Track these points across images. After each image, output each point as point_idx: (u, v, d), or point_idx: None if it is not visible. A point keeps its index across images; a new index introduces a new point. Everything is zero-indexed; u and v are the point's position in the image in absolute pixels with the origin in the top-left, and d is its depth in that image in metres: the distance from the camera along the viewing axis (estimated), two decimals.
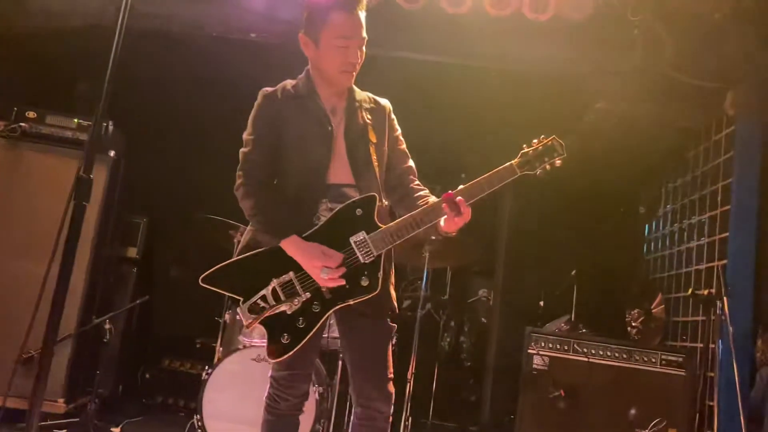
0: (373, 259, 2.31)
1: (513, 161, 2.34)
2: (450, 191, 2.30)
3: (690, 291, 4.01)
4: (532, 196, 5.89)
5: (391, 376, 2.47)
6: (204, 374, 3.82)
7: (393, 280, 2.51)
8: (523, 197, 5.96)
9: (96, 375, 4.09)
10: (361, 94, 2.54)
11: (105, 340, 4.12)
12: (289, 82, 2.51)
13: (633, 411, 4.03)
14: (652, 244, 5.54)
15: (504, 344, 5.78)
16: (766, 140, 3.97)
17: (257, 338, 3.82)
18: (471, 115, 5.10)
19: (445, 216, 2.30)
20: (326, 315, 2.33)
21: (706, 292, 3.72)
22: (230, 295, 2.39)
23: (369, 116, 2.48)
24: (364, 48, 2.41)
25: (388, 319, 2.49)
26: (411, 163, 2.58)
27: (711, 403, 3.94)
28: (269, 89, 2.49)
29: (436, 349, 5.95)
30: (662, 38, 3.99)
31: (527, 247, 6.00)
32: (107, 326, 4.10)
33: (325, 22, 2.35)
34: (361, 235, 2.30)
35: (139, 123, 4.78)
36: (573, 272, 5.12)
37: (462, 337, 6.51)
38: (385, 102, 2.58)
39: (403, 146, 2.59)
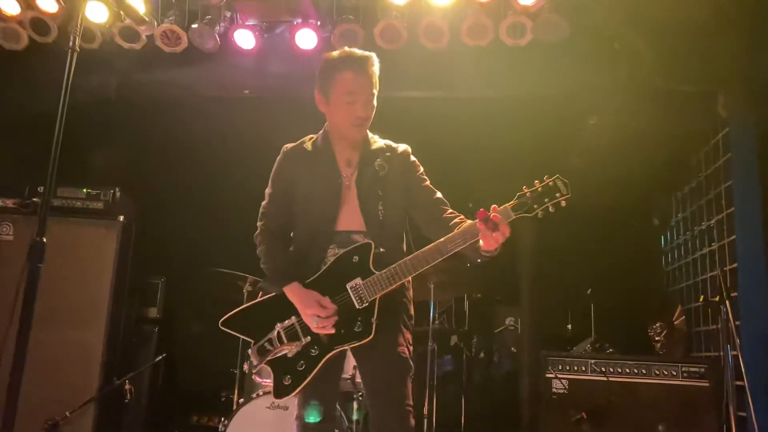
0: (367, 305, 2.41)
1: (508, 204, 2.33)
2: (483, 210, 2.28)
3: (701, 299, 3.90)
4: (548, 219, 5.85)
5: (410, 409, 2.48)
6: (221, 426, 3.87)
7: (409, 336, 2.55)
8: (539, 220, 5.93)
9: None
10: (378, 144, 2.65)
11: (126, 401, 4.20)
12: (309, 138, 2.68)
13: (661, 428, 3.91)
14: (669, 255, 5.43)
15: (535, 372, 5.67)
16: (762, 137, 3.90)
17: (267, 378, 3.88)
18: (470, 145, 5.15)
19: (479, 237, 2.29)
20: (324, 359, 2.43)
21: (717, 298, 3.63)
22: (244, 337, 2.55)
23: (385, 164, 2.58)
24: (374, 102, 2.54)
25: (401, 351, 2.50)
26: (439, 194, 2.63)
27: (742, 413, 3.79)
28: (290, 145, 2.67)
29: (462, 382, 5.87)
30: (642, 49, 4.00)
31: (549, 271, 5.94)
32: (127, 387, 4.19)
33: (334, 80, 2.52)
34: (357, 281, 2.42)
35: (148, 187, 4.98)
36: (588, 291, 5.04)
37: (493, 368, 6.42)
38: (403, 147, 2.67)
39: (428, 183, 2.65)
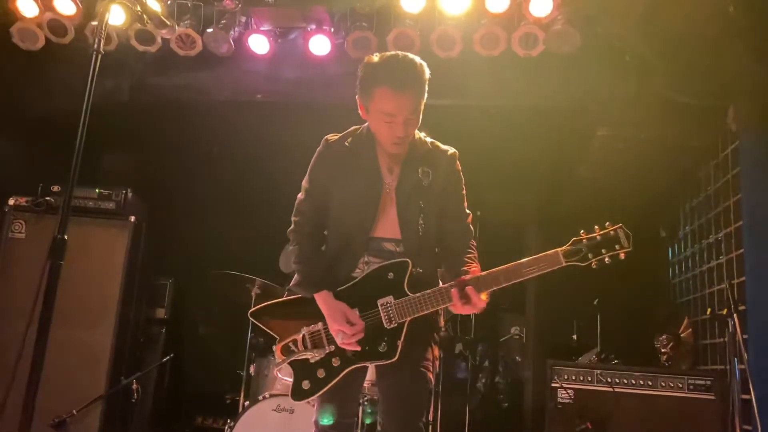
0: (395, 325, 2.33)
1: (560, 249, 2.19)
2: (463, 277, 2.22)
3: (708, 312, 3.91)
4: (555, 228, 5.87)
5: (422, 425, 2.44)
6: (226, 428, 3.88)
7: (432, 356, 2.45)
8: (547, 229, 5.94)
9: None
10: (424, 147, 2.49)
11: (133, 400, 4.23)
12: (353, 130, 2.51)
13: None
14: (677, 267, 5.42)
15: (540, 382, 5.67)
16: None
17: (288, 376, 3.89)
18: (479, 154, 5.16)
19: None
20: (344, 371, 2.39)
21: (725, 311, 3.63)
22: (270, 332, 2.50)
23: (429, 171, 2.44)
24: (418, 117, 2.34)
25: (426, 367, 2.44)
26: (470, 219, 2.51)
27: (747, 427, 3.78)
28: (332, 138, 2.51)
29: (467, 390, 5.88)
30: (653, 61, 4.02)
31: (555, 281, 5.93)
32: (134, 386, 4.22)
33: (372, 95, 2.33)
34: (389, 300, 2.34)
35: (159, 188, 5.02)
36: (595, 302, 5.04)
37: (497, 377, 6.42)
38: (451, 151, 2.52)
39: (463, 201, 2.51)
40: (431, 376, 2.43)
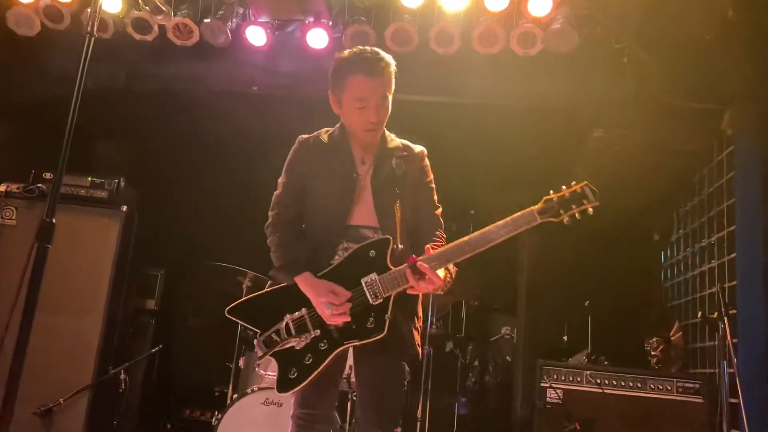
0: (381, 301, 2.35)
1: (534, 207, 2.32)
2: (414, 256, 2.32)
3: (699, 315, 3.92)
4: (548, 230, 5.87)
5: (399, 418, 2.46)
6: (214, 420, 3.87)
7: (419, 325, 2.52)
8: (540, 231, 5.94)
9: (113, 426, 4.17)
10: (394, 142, 2.61)
11: (120, 391, 4.20)
12: (326, 131, 2.63)
13: None
14: (668, 270, 5.44)
15: (529, 382, 5.68)
16: (767, 157, 3.91)
17: (272, 371, 3.87)
18: (474, 152, 5.17)
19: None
20: (333, 353, 2.38)
21: (715, 315, 3.63)
22: (250, 327, 2.50)
23: (401, 163, 2.54)
24: (388, 104, 2.47)
25: (406, 363, 2.51)
26: (438, 212, 2.61)
27: (735, 431, 3.79)
28: (306, 136, 2.63)
29: (456, 388, 5.88)
30: (651, 64, 4.02)
31: (547, 282, 5.95)
32: (122, 376, 4.19)
33: (345, 84, 2.46)
34: (372, 276, 2.36)
35: (152, 178, 4.98)
36: (586, 303, 5.05)
37: (487, 376, 6.43)
38: (419, 148, 2.64)
39: (433, 194, 2.63)
40: (414, 360, 2.49)
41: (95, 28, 2.06)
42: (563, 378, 4.11)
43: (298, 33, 4.39)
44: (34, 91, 4.69)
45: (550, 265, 5.93)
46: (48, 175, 4.35)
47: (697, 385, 3.91)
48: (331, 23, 4.32)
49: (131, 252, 4.56)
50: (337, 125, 2.62)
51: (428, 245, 2.39)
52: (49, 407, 4.02)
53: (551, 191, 2.32)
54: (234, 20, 4.32)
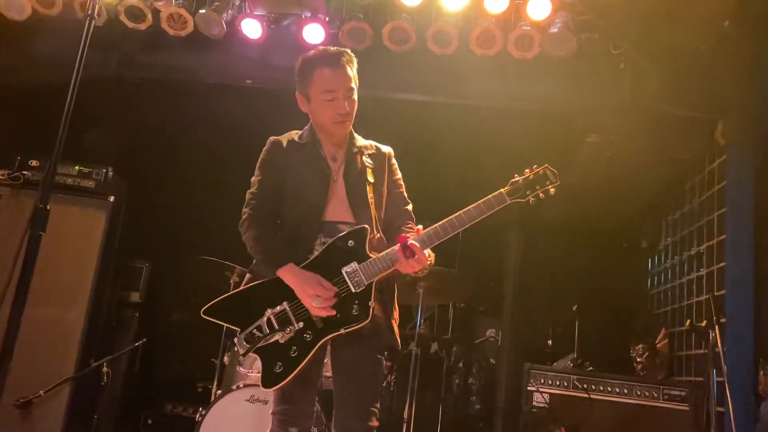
0: (363, 288, 2.38)
1: (503, 189, 2.46)
2: (404, 234, 2.41)
3: (687, 323, 3.93)
4: (537, 233, 5.88)
5: (376, 410, 2.44)
6: (198, 416, 3.81)
7: (396, 316, 2.55)
8: (529, 234, 5.95)
9: (94, 420, 4.10)
10: (362, 141, 2.68)
11: (102, 384, 4.12)
12: (295, 132, 2.66)
13: None
14: (656, 278, 5.46)
15: (513, 385, 5.69)
16: (759, 168, 3.94)
17: (255, 370, 3.82)
18: (466, 153, 5.16)
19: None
20: (318, 344, 2.38)
21: (704, 323, 3.65)
22: (229, 325, 2.47)
23: (369, 161, 2.61)
24: (354, 97, 2.55)
25: (384, 354, 2.51)
26: (409, 207, 2.68)
27: None
28: (276, 138, 2.66)
29: (441, 390, 5.87)
30: (648, 71, 4.03)
31: (534, 285, 5.96)
32: (105, 369, 4.12)
33: (312, 79, 2.52)
34: (353, 266, 2.39)
35: (140, 169, 4.90)
36: (574, 308, 5.06)
37: (471, 378, 6.42)
38: (386, 149, 2.72)
39: (402, 190, 2.70)
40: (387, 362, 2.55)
41: (96, 11, 2.00)
42: (550, 382, 4.11)
43: (294, 27, 4.34)
44: (21, 77, 4.60)
45: (537, 268, 5.94)
46: (35, 163, 4.26)
47: (683, 393, 3.93)
48: (328, 19, 4.28)
49: (117, 243, 4.49)
50: (306, 126, 2.66)
51: (404, 228, 2.54)
52: (28, 399, 3.94)
53: (515, 175, 2.48)
54: (229, 12, 4.26)
